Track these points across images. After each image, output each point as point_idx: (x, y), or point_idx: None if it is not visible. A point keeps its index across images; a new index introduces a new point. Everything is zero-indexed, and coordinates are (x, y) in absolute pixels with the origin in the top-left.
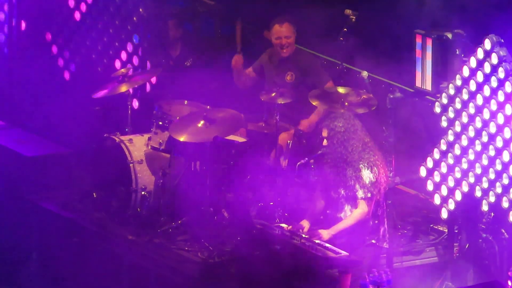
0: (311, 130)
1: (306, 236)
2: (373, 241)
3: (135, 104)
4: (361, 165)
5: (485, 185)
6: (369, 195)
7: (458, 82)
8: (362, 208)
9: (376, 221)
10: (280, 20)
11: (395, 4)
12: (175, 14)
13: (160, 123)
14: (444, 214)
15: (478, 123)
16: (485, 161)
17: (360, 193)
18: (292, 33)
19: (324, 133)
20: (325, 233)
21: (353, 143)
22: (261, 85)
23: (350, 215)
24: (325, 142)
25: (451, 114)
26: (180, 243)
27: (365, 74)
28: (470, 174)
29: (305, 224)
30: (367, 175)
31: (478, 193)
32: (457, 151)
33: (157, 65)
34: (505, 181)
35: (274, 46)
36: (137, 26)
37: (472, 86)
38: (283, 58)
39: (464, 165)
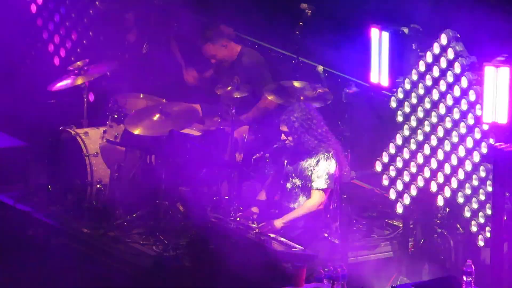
0: (258, 116)
1: (258, 230)
2: (326, 235)
3: (91, 97)
4: (320, 156)
5: (441, 180)
6: (324, 186)
7: (414, 77)
8: (314, 199)
9: (328, 215)
10: (202, 39)
11: None
12: (131, 6)
13: (116, 116)
14: (399, 209)
15: (434, 118)
16: (440, 156)
17: (315, 184)
18: (218, 50)
19: (283, 128)
20: (278, 223)
21: (312, 134)
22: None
23: (302, 205)
24: (283, 136)
25: (407, 109)
26: (135, 236)
27: (320, 68)
28: (426, 169)
29: (255, 210)
30: (325, 166)
31: (434, 188)
32: (413, 146)
33: (113, 58)
34: (461, 176)
35: None
36: (93, 19)
37: (428, 81)
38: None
39: (420, 160)
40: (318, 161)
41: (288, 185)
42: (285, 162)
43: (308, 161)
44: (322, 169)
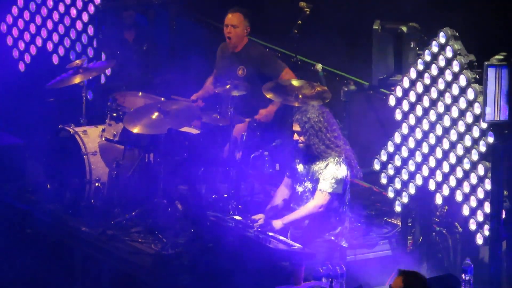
0: (268, 120)
1: (259, 229)
2: (332, 238)
3: (90, 95)
4: (330, 160)
5: (439, 178)
6: (329, 189)
7: (413, 75)
8: (315, 200)
9: (338, 218)
10: (234, 9)
11: None
12: (130, 6)
13: (115, 114)
14: (397, 207)
15: (432, 116)
16: (439, 154)
17: (320, 185)
18: (241, 24)
19: (296, 127)
20: (278, 223)
21: (321, 138)
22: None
23: (303, 207)
24: (295, 136)
25: (405, 107)
26: (133, 235)
27: (319, 67)
28: (424, 167)
29: (260, 217)
30: (333, 170)
31: (432, 186)
32: (411, 144)
33: (112, 56)
34: (459, 174)
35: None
36: (92, 18)
37: (427, 80)
38: (235, 52)
39: (418, 158)
40: (327, 164)
41: (300, 189)
42: (298, 166)
43: (318, 164)
44: (329, 172)
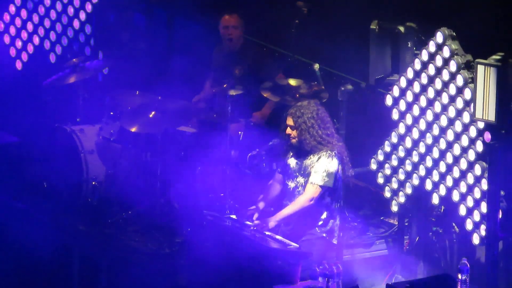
0: (262, 123)
1: (256, 228)
2: (324, 235)
3: (87, 94)
4: (322, 153)
5: (436, 178)
6: (320, 182)
7: (410, 75)
8: (307, 194)
9: (329, 215)
10: (230, 12)
11: None
12: (128, 5)
13: (112, 113)
14: (394, 207)
15: (429, 116)
16: (435, 154)
17: (311, 178)
18: (240, 25)
19: (289, 122)
20: (272, 222)
21: (312, 134)
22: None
23: (295, 201)
24: (288, 130)
25: (402, 107)
26: (130, 233)
27: (316, 66)
28: (421, 167)
29: (253, 208)
30: (325, 163)
31: (429, 186)
32: (408, 144)
33: (109, 55)
34: (456, 174)
35: (222, 38)
36: (90, 16)
37: (424, 79)
38: (231, 52)
39: (415, 158)
40: (319, 158)
41: (292, 184)
42: (290, 161)
43: (311, 158)
44: (321, 165)
